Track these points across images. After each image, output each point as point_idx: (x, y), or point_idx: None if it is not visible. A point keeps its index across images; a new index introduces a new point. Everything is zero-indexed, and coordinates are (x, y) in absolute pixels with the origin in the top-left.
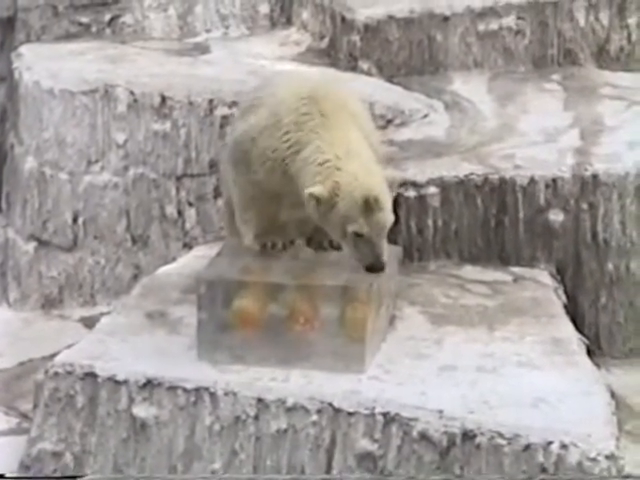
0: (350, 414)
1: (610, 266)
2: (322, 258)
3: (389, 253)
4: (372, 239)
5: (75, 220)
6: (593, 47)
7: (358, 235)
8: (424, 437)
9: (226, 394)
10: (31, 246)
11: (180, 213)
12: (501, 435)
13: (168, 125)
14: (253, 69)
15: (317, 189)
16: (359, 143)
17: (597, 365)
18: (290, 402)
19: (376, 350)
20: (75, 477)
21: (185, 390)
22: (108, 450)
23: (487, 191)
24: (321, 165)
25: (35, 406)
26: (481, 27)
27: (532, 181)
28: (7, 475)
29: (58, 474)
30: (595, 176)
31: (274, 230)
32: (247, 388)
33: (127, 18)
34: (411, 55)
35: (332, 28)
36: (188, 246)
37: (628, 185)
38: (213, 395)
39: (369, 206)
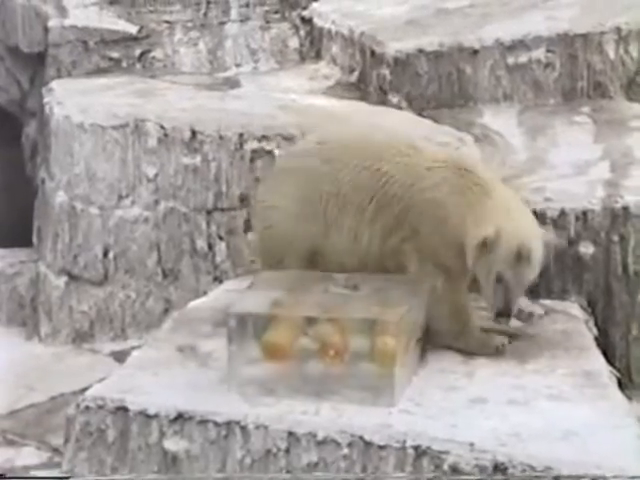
0: (381, 447)
1: None
2: (353, 292)
3: (416, 285)
4: (510, 286)
5: (106, 254)
6: (623, 79)
7: (499, 280)
8: (455, 470)
9: (257, 427)
10: (62, 280)
11: (210, 247)
12: (532, 468)
13: (198, 159)
14: (283, 103)
15: (490, 232)
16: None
17: (628, 398)
18: (321, 435)
19: (407, 383)
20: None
21: (216, 424)
22: None
23: None
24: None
25: (66, 440)
26: (510, 60)
27: (562, 213)
28: (7, 475)
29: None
30: (625, 208)
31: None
32: (278, 421)
33: (157, 53)
34: (441, 88)
35: (362, 61)
36: (218, 280)
37: None
38: (244, 428)
39: (521, 255)
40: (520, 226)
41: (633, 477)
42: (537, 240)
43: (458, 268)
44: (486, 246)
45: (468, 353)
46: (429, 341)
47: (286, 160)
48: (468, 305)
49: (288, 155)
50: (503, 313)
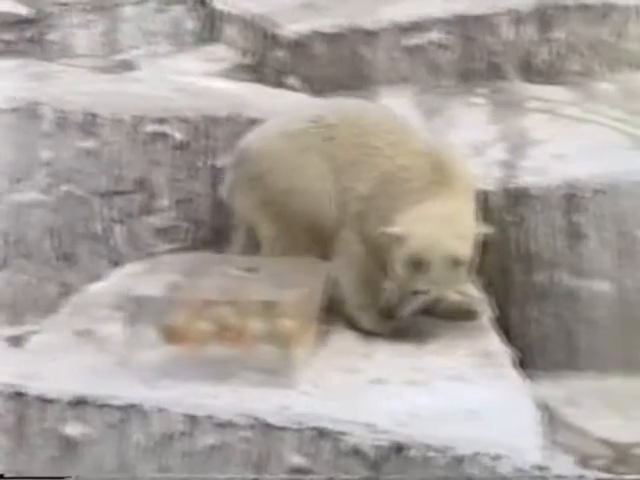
0: (280, 429)
1: (538, 278)
2: (251, 275)
3: (316, 267)
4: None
5: (2, 239)
6: (518, 61)
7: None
8: (355, 451)
9: (156, 411)
10: None
11: (107, 231)
12: (431, 447)
13: (95, 142)
14: (180, 86)
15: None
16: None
17: (526, 377)
18: (220, 418)
19: (306, 365)
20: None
21: (115, 407)
22: (37, 470)
23: None
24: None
25: None
26: (407, 41)
27: None
28: (7, 475)
29: (32, 476)
30: (522, 189)
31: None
32: (177, 404)
33: (53, 35)
34: (338, 70)
35: (259, 44)
36: (116, 263)
37: (555, 197)
38: (143, 412)
39: (415, 265)
40: (431, 238)
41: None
42: (440, 258)
43: (377, 246)
44: (394, 241)
45: (364, 331)
46: (332, 311)
47: (287, 140)
48: (378, 284)
49: (285, 135)
50: (383, 312)
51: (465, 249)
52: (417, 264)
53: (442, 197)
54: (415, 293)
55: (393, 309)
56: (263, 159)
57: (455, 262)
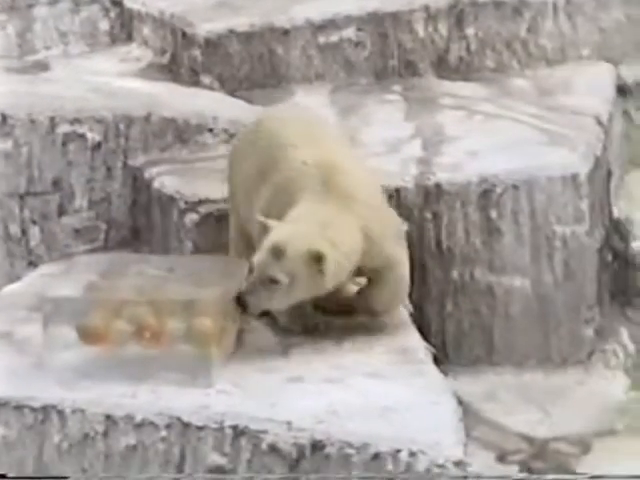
0: (199, 428)
1: (455, 274)
2: (169, 274)
3: (233, 265)
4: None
5: None
6: (433, 57)
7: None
8: (274, 449)
9: (74, 412)
10: None
11: (24, 232)
12: (350, 445)
13: (10, 144)
14: (95, 86)
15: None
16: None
17: (444, 373)
18: (139, 418)
19: (224, 364)
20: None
21: (32, 409)
22: None
23: None
24: None
25: None
26: (322, 39)
27: None
28: (9, 475)
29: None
30: (438, 185)
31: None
32: (95, 405)
33: None
34: (253, 69)
35: (173, 43)
36: (33, 264)
37: (471, 194)
38: (61, 413)
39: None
40: (292, 230)
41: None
42: (295, 249)
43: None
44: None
45: (281, 328)
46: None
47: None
48: None
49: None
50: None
51: (324, 249)
52: (275, 252)
53: (320, 204)
54: (270, 282)
55: (242, 297)
56: (230, 156)
57: (310, 257)
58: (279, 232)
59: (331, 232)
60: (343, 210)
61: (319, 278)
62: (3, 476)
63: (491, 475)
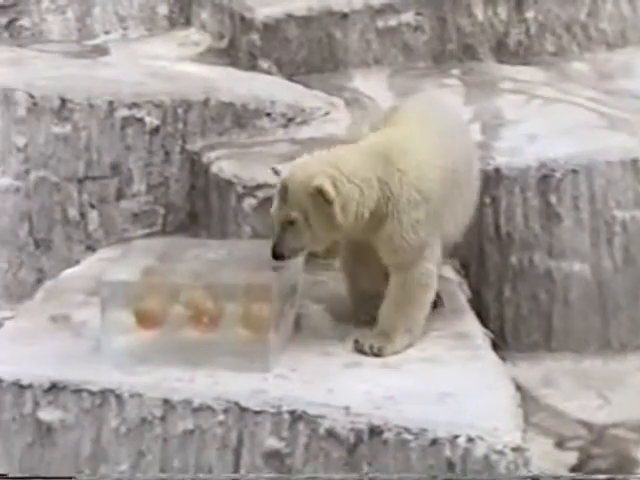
0: (256, 413)
1: (513, 260)
2: (226, 259)
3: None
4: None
5: None
6: (492, 41)
7: None
8: (331, 434)
9: (132, 396)
10: None
11: (83, 216)
12: (408, 430)
13: (68, 128)
14: (153, 70)
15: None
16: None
17: (502, 359)
18: (196, 402)
19: (281, 349)
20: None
21: (90, 393)
22: (13, 455)
23: None
24: None
25: None
26: (380, 23)
27: None
28: (10, 475)
29: (32, 476)
30: (497, 170)
31: None
32: (153, 389)
33: (25, 21)
34: (311, 53)
35: (231, 27)
36: (91, 249)
37: (529, 178)
38: (119, 397)
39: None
40: (297, 167)
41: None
42: (299, 183)
43: None
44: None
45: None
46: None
47: None
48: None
49: None
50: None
51: (321, 180)
52: (281, 192)
53: (337, 149)
54: (288, 223)
55: (274, 249)
56: None
57: (312, 189)
58: (287, 172)
59: (340, 169)
60: (373, 166)
61: (329, 211)
62: (4, 476)
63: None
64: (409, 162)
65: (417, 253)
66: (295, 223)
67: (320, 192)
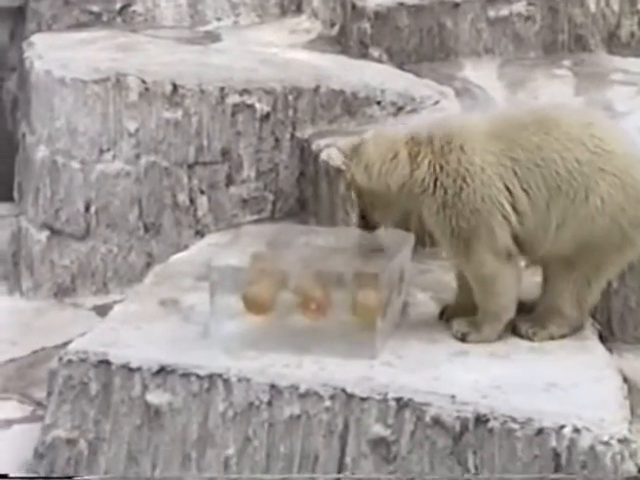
0: (363, 399)
1: None
2: (335, 246)
3: (399, 238)
4: None
5: (87, 209)
6: (604, 33)
7: None
8: (437, 422)
9: (239, 380)
10: (44, 235)
11: (192, 201)
12: (514, 419)
13: (180, 113)
14: (264, 57)
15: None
16: None
17: (609, 350)
18: (303, 388)
19: (388, 336)
20: (71, 477)
21: (198, 377)
22: (122, 437)
23: None
24: None
25: (49, 394)
26: (491, 13)
27: None
28: (10, 475)
29: (72, 462)
30: None
31: None
32: (260, 374)
33: (138, 7)
34: (421, 42)
35: (342, 15)
36: (200, 234)
37: None
38: (226, 381)
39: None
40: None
41: None
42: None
43: None
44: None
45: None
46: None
47: None
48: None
49: None
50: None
51: (352, 143)
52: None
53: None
54: (358, 197)
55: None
56: None
57: (350, 153)
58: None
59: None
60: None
61: (367, 171)
62: (5, 476)
63: None
64: (475, 168)
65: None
66: (363, 194)
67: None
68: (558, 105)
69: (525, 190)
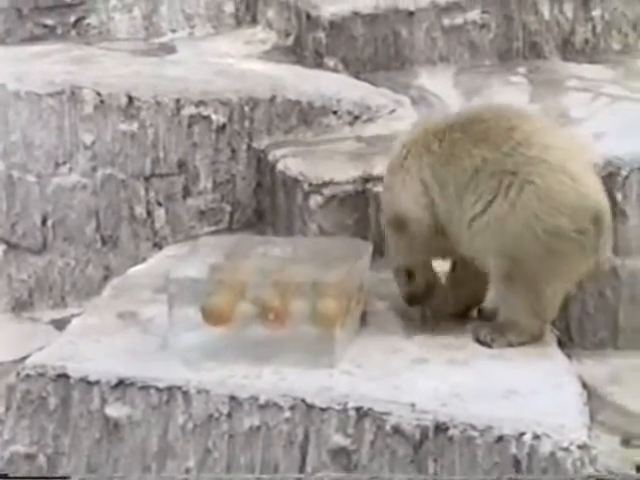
0: (323, 410)
1: None
2: (293, 256)
3: (357, 247)
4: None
5: (44, 222)
6: (558, 40)
7: None
8: (397, 431)
9: (199, 392)
10: (0, 249)
11: (149, 213)
12: (473, 427)
13: (135, 125)
14: (220, 68)
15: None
16: None
17: (568, 356)
18: (263, 399)
19: (348, 345)
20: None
21: (157, 389)
22: (81, 451)
23: None
24: None
25: (7, 409)
26: (446, 21)
27: None
28: (10, 475)
29: (33, 476)
30: None
31: None
32: (219, 386)
33: (92, 19)
34: (377, 51)
35: (297, 25)
36: (158, 246)
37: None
38: (186, 393)
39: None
40: None
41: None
42: None
43: None
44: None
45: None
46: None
47: None
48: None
49: None
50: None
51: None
52: None
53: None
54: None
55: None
56: None
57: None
58: None
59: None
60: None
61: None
62: (5, 476)
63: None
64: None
65: None
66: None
67: None
68: (504, 107)
69: (437, 182)
